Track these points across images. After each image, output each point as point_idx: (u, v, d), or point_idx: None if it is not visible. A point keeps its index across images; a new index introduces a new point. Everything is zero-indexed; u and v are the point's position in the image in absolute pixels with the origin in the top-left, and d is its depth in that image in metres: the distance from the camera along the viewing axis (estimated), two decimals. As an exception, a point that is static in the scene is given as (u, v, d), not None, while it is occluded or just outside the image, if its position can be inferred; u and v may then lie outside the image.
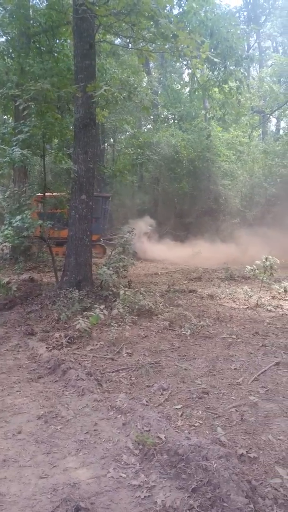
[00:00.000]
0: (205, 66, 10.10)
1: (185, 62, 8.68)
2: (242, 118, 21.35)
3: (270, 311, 7.77)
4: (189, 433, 3.36)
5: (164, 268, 13.95)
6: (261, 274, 8.69)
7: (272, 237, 16.33)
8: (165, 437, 3.29)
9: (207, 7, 9.35)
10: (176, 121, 26.27)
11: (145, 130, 25.72)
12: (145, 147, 20.97)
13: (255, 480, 2.79)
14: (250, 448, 3.20)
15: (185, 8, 9.16)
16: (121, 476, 2.85)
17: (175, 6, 10.28)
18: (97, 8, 6.58)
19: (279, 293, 8.93)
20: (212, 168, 21.45)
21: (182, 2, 10.00)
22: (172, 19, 9.17)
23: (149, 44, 7.45)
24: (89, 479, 2.82)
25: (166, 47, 7.17)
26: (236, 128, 22.83)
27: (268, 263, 8.42)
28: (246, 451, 3.12)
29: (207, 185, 21.39)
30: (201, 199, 21.51)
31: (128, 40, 9.56)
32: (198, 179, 21.73)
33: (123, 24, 7.24)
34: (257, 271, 8.70)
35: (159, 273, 12.42)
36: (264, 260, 8.48)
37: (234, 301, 8.56)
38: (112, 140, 26.79)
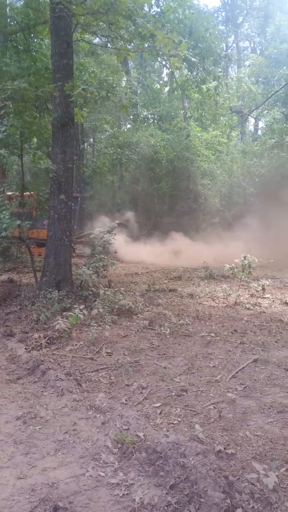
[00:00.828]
0: (183, 65, 10.17)
1: (163, 62, 8.69)
2: (221, 118, 21.54)
3: (248, 309, 7.88)
4: (168, 431, 3.39)
5: (144, 267, 13.99)
6: (239, 273, 8.80)
7: (251, 236, 16.53)
8: (143, 435, 3.31)
9: (185, 6, 9.39)
10: (155, 121, 26.35)
11: (125, 129, 25.72)
12: (124, 147, 20.98)
13: (232, 475, 2.83)
14: (228, 445, 3.24)
15: (163, 8, 9.19)
16: (99, 475, 2.86)
17: (153, 6, 10.29)
18: (74, 7, 6.56)
19: (257, 291, 9.05)
20: (191, 168, 21.60)
21: (160, 1, 10.05)
22: (149, 19, 9.24)
23: (127, 43, 7.45)
24: (68, 478, 2.82)
25: (144, 46, 7.19)
26: (215, 128, 23.02)
27: (246, 261, 8.54)
28: (224, 448, 3.16)
29: (187, 185, 21.54)
30: (181, 198, 21.65)
31: (106, 40, 9.52)
32: (177, 179, 21.86)
33: (101, 23, 7.22)
34: (235, 269, 8.80)
35: (140, 273, 12.46)
36: (242, 259, 8.59)
37: (213, 300, 8.65)
38: (92, 139, 26.70)
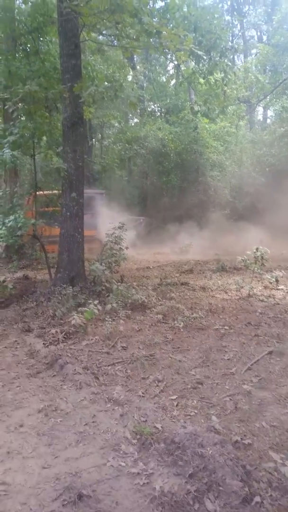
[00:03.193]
0: (190, 58, 10.16)
1: (169, 56, 8.70)
2: (229, 108, 21.36)
3: (262, 301, 7.90)
4: (185, 422, 3.49)
5: (155, 261, 14.05)
6: (252, 265, 8.82)
7: (263, 227, 16.49)
8: (161, 426, 3.41)
9: (189, 1, 9.39)
10: (162, 114, 26.27)
11: (132, 124, 25.70)
12: (132, 142, 20.99)
13: (250, 465, 2.92)
14: (245, 435, 3.33)
15: (168, 2, 9.18)
16: (120, 465, 2.97)
17: (157, 1, 10.28)
18: (81, 6, 6.60)
19: (271, 283, 9.07)
20: (200, 160, 21.52)
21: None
22: (155, 13, 9.25)
23: (133, 40, 7.49)
24: (90, 468, 2.93)
25: (151, 42, 7.21)
26: (223, 119, 22.86)
27: (259, 253, 8.56)
28: (241, 438, 3.25)
29: (196, 177, 21.48)
30: (190, 191, 21.60)
31: (112, 37, 9.55)
32: (186, 171, 21.81)
33: (108, 22, 7.26)
34: (248, 261, 8.83)
35: (151, 267, 12.53)
36: (255, 250, 8.61)
37: (226, 292, 8.69)
38: (100, 135, 26.75)
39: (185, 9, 9.07)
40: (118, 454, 3.11)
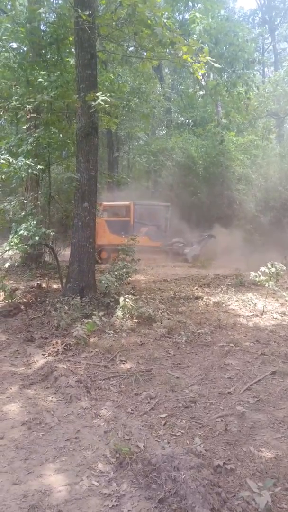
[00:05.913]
0: (212, 71, 10.14)
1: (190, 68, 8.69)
2: (259, 120, 21.13)
3: (276, 318, 7.65)
4: (169, 442, 3.35)
5: (174, 274, 13.91)
6: (267, 281, 8.55)
7: None
8: (144, 446, 3.30)
9: (211, 14, 9.38)
10: (190, 127, 26.26)
11: (159, 135, 25.78)
12: (158, 153, 21.03)
13: (228, 492, 2.77)
14: (229, 459, 3.17)
15: (190, 16, 9.22)
16: (93, 484, 2.87)
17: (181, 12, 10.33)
18: (98, 18, 6.70)
19: (286, 300, 8.78)
20: (226, 173, 21.30)
21: (187, 8, 10.06)
22: (177, 25, 9.27)
23: (150, 51, 7.52)
24: (61, 486, 2.85)
25: (166, 54, 7.23)
26: (251, 133, 22.62)
27: (273, 269, 8.29)
28: (223, 462, 3.09)
29: (221, 190, 21.24)
30: (215, 204, 21.36)
31: (128, 49, 9.64)
32: (212, 184, 21.60)
33: (124, 34, 7.34)
34: (262, 278, 8.56)
35: (169, 279, 12.39)
36: (270, 266, 8.35)
37: (240, 308, 8.47)
38: (128, 147, 26.93)
39: (205, 21, 9.04)
40: (94, 472, 3.02)
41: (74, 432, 3.57)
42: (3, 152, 7.99)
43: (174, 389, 4.45)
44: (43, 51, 9.71)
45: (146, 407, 4.02)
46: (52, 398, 4.26)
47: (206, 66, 7.56)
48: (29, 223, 7.41)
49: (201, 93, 20.06)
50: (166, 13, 7.15)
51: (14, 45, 10.87)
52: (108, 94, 6.98)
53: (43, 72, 8.47)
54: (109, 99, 6.36)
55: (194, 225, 20.92)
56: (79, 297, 7.36)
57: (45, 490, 2.79)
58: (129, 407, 4.02)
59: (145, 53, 8.10)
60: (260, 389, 4.47)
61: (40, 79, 8.25)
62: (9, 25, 9.94)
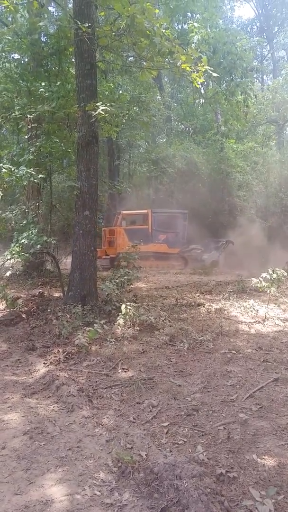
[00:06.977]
0: (210, 80, 10.21)
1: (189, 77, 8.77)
2: (258, 127, 21.25)
3: (278, 325, 7.63)
4: (171, 451, 3.34)
5: (176, 281, 13.90)
6: (268, 287, 8.54)
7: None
8: (146, 454, 3.28)
9: (210, 24, 9.48)
10: (190, 135, 26.38)
11: (159, 143, 25.88)
12: (159, 161, 21.12)
13: (231, 501, 2.75)
14: (232, 468, 3.15)
15: (188, 26, 9.32)
16: (95, 494, 2.85)
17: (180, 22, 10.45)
18: (97, 29, 6.78)
19: (288, 306, 8.76)
20: (227, 180, 21.39)
21: (186, 18, 10.17)
22: (175, 35, 9.36)
23: (149, 61, 7.59)
24: (63, 496, 2.83)
25: (165, 63, 7.29)
26: (250, 140, 22.74)
27: (275, 275, 8.28)
28: (226, 471, 3.07)
29: (222, 197, 21.31)
30: (216, 211, 21.42)
31: (127, 59, 9.74)
32: (213, 191, 21.68)
33: (124, 43, 7.42)
34: (262, 284, 8.55)
35: (170, 287, 12.39)
36: (271, 273, 8.34)
37: (242, 315, 8.45)
38: (129, 155, 27.04)
39: (203, 30, 9.13)
40: (96, 482, 3.00)
41: (75, 441, 3.56)
42: (5, 161, 8.06)
43: (176, 397, 4.43)
44: (44, 62, 9.80)
45: (148, 416, 4.00)
46: (53, 407, 4.25)
47: (205, 75, 7.61)
48: (30, 231, 7.44)
49: (201, 101, 20.18)
50: (165, 23, 7.21)
51: (16, 56, 10.99)
52: (108, 104, 7.04)
53: (44, 83, 8.56)
54: (109, 109, 6.41)
55: (198, 232, 21.00)
56: (80, 305, 7.36)
57: (47, 500, 2.78)
58: (131, 415, 4.01)
59: (144, 63, 8.19)
60: (262, 396, 4.45)
61: (41, 89, 8.34)
62: (9, 38, 10.06)
